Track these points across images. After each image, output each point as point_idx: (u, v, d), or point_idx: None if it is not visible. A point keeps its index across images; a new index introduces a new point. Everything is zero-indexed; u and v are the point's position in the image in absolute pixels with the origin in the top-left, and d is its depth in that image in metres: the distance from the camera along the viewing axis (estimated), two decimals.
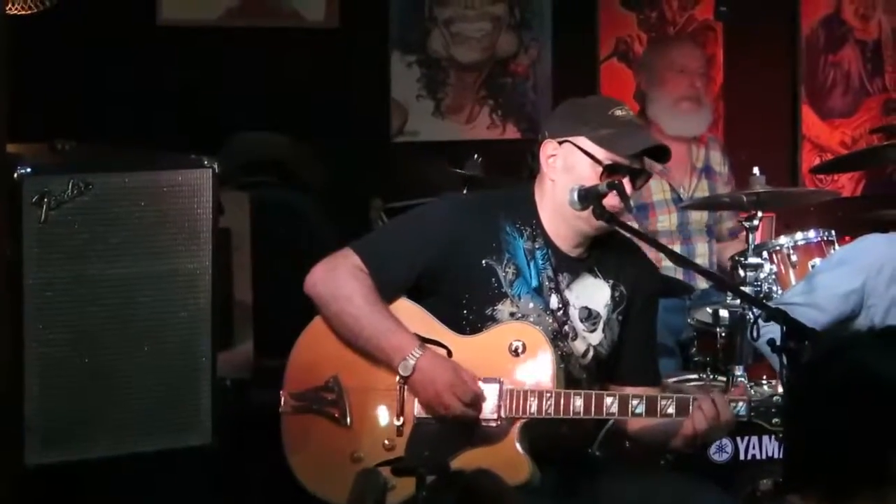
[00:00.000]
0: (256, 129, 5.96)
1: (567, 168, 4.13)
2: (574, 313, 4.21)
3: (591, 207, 4.10)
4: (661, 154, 4.23)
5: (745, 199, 5.50)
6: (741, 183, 5.88)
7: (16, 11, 5.15)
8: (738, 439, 5.02)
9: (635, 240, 4.45)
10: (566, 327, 4.20)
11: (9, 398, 3.84)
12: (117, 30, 5.87)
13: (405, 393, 4.10)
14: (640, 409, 4.04)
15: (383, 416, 4.15)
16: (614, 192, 4.11)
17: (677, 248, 6.07)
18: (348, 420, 4.16)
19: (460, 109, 6.48)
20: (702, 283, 5.97)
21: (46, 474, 3.96)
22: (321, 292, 4.16)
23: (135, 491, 4.13)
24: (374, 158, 6.25)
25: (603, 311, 4.24)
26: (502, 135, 6.78)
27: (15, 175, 3.85)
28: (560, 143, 4.14)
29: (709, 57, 6.44)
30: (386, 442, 4.12)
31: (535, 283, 4.17)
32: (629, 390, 4.17)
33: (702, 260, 6.14)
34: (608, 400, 4.05)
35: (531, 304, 4.17)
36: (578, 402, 4.03)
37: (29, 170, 3.88)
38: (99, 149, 4.33)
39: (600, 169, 4.06)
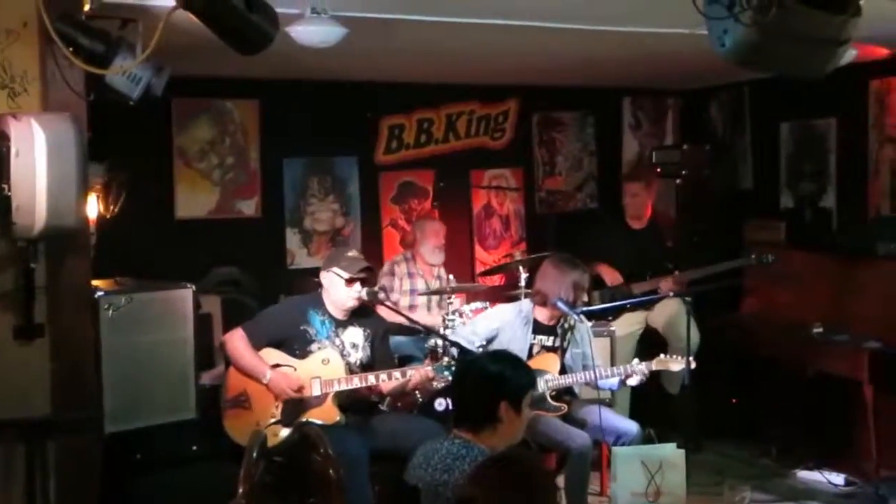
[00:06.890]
0: (223, 265, 5.82)
1: (331, 284, 4.24)
2: (348, 345, 4.27)
3: (371, 301, 4.21)
4: (371, 271, 4.31)
5: (449, 288, 5.57)
6: (445, 282, 5.91)
7: (99, 210, 4.96)
8: (448, 399, 4.97)
9: (391, 310, 4.48)
10: (345, 352, 4.25)
11: (96, 399, 3.72)
12: (154, 220, 5.71)
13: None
14: (384, 377, 4.14)
15: (268, 403, 4.15)
16: (382, 292, 4.17)
17: (426, 311, 5.96)
18: (252, 408, 4.17)
19: (318, 253, 6.42)
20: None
21: (115, 438, 3.77)
22: (228, 351, 4.21)
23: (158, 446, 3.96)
24: (280, 278, 6.16)
25: (361, 343, 4.30)
26: None
27: (96, 296, 3.72)
28: (326, 272, 4.23)
29: (445, 233, 6.11)
30: (272, 415, 4.11)
31: (326, 334, 4.20)
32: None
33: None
34: (370, 376, 4.14)
35: (327, 343, 4.22)
36: (356, 380, 4.12)
37: (103, 293, 3.77)
38: (139, 280, 4.19)
39: (344, 281, 4.09)
